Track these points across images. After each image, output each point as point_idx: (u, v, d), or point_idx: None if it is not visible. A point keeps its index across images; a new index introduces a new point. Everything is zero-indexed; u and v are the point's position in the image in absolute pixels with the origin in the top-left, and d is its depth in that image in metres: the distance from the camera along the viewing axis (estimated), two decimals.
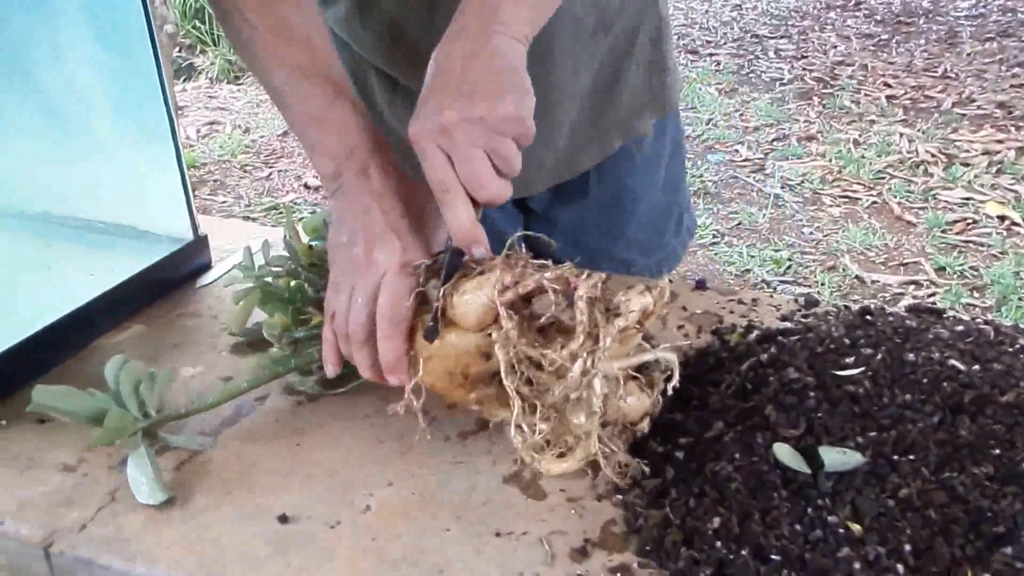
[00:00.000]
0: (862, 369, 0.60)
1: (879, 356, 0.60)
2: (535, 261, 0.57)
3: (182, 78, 3.94)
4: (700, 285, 0.87)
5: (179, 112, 3.37)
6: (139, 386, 0.61)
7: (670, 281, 0.59)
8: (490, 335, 0.55)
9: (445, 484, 0.60)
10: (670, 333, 0.79)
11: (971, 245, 2.54)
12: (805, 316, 0.80)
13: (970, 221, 2.67)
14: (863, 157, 3.09)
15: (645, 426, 0.61)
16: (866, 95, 3.65)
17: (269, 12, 0.65)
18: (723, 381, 0.64)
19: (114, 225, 0.92)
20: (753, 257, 2.52)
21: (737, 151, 3.20)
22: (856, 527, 0.51)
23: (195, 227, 0.92)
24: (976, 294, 2.31)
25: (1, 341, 0.71)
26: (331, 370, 0.62)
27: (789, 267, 2.47)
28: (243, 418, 0.66)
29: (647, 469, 0.58)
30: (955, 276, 2.38)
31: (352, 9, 0.81)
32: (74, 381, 0.72)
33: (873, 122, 3.40)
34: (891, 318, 0.68)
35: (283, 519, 0.57)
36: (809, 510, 0.52)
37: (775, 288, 2.37)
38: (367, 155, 0.63)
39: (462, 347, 0.56)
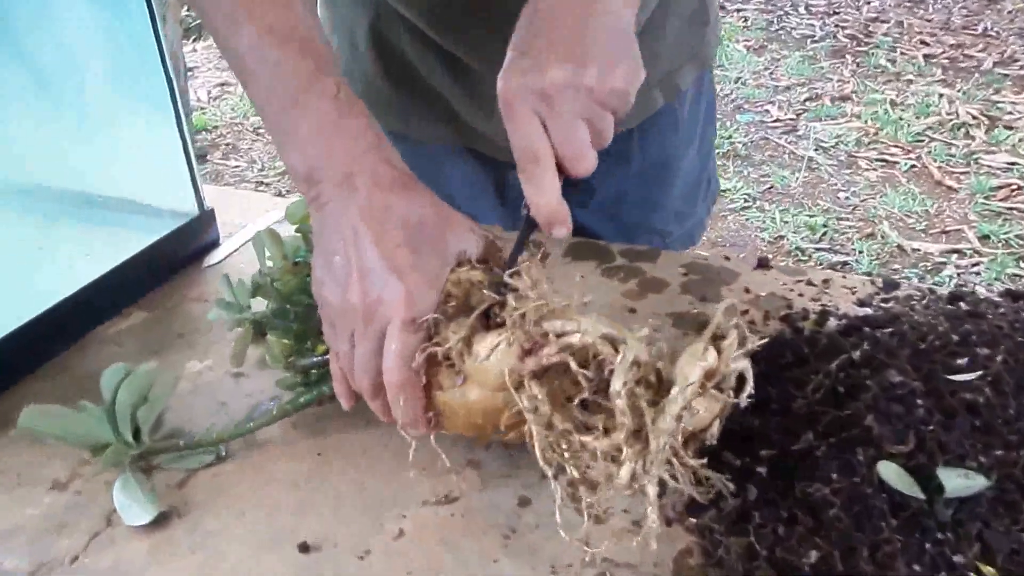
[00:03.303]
0: (980, 373, 0.51)
1: (999, 357, 0.51)
2: (554, 320, 0.45)
3: (192, 38, 3.82)
4: (762, 264, 0.78)
5: (189, 73, 3.27)
6: (137, 409, 0.53)
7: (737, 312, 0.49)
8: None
9: (490, 503, 0.52)
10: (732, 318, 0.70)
11: (1016, 212, 2.42)
12: (885, 301, 0.71)
13: (1015, 187, 2.54)
14: (901, 119, 2.95)
15: (715, 432, 0.52)
16: (902, 53, 3.49)
17: None
18: (807, 381, 0.56)
19: (111, 199, 0.84)
20: (786, 223, 2.41)
21: (768, 111, 3.07)
22: (990, 570, 0.42)
23: (200, 201, 0.84)
24: (1023, 264, 2.20)
25: None
26: (346, 404, 0.53)
27: (825, 233, 2.36)
28: (255, 422, 0.58)
29: (730, 485, 0.49)
30: (1000, 245, 2.27)
31: None
32: (70, 379, 0.65)
33: (910, 82, 3.25)
34: (1001, 309, 0.59)
35: (304, 548, 0.49)
36: (928, 545, 0.44)
37: (810, 256, 2.27)
38: (353, 158, 0.49)
39: (488, 404, 0.47)
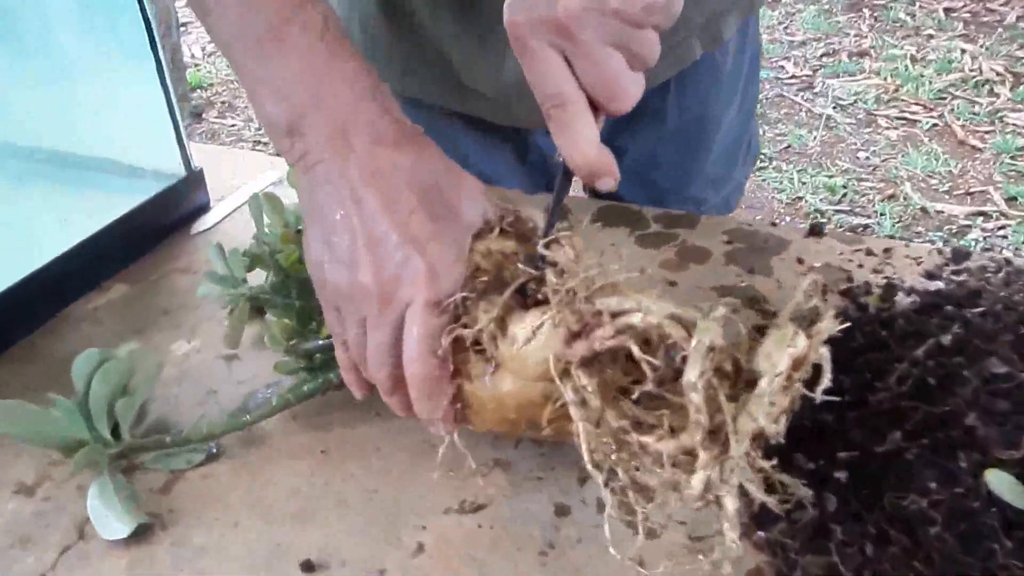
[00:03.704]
0: None
1: None
2: (608, 297, 0.36)
3: None
4: (815, 231, 0.69)
5: (182, 28, 3.14)
6: (115, 401, 0.46)
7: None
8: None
9: (522, 512, 0.45)
10: (787, 293, 0.62)
11: None
12: (956, 273, 0.63)
13: None
14: (921, 75, 2.84)
15: (781, 428, 0.45)
16: (921, 7, 3.35)
17: None
18: (888, 370, 0.48)
19: (87, 159, 0.76)
20: (804, 184, 2.32)
21: (783, 67, 2.95)
22: None
23: (188, 160, 0.76)
24: None
25: None
26: (358, 394, 0.45)
27: (844, 195, 2.27)
28: (252, 415, 0.51)
29: (809, 491, 0.42)
30: None
31: None
32: (40, 364, 0.58)
33: (931, 37, 3.13)
34: None
35: (308, 567, 0.42)
36: None
37: (829, 218, 2.18)
38: (347, 107, 0.41)
39: (524, 396, 0.40)
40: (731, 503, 0.34)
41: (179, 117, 0.75)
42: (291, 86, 0.41)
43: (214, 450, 0.49)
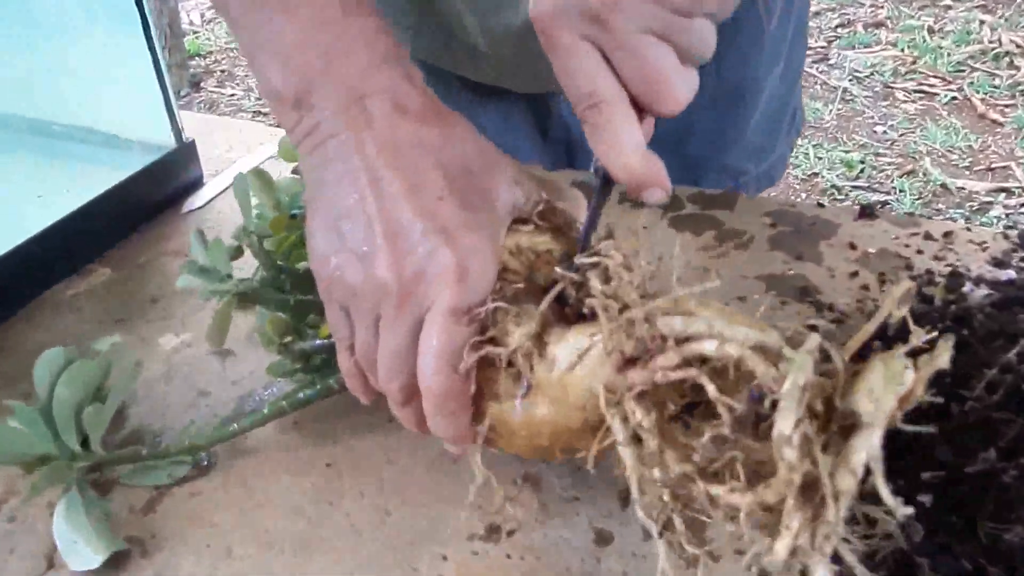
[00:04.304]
0: None
1: None
2: (671, 317, 0.30)
3: None
4: (866, 212, 0.63)
5: None
6: (83, 408, 0.40)
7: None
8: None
9: (556, 539, 0.39)
10: (840, 283, 0.56)
11: None
12: None
13: None
14: (939, 47, 2.76)
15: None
16: None
17: None
18: (974, 376, 0.42)
19: (69, 128, 0.69)
20: (821, 159, 2.25)
21: (806, 39, 2.86)
22: None
23: (179, 131, 0.69)
24: None
25: None
26: (364, 399, 0.39)
27: (862, 171, 2.20)
28: (240, 424, 0.45)
29: (893, 520, 0.36)
30: None
31: None
32: (13, 356, 0.52)
33: (948, 7, 3.04)
34: None
35: None
36: None
37: (847, 195, 2.11)
38: (364, 72, 0.35)
39: (561, 424, 0.33)
40: (822, 571, 0.28)
41: (168, 84, 0.68)
42: (298, 49, 0.35)
43: (205, 461, 0.43)
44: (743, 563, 0.31)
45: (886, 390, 0.28)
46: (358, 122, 0.35)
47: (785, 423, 0.27)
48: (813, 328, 0.30)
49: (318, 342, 0.43)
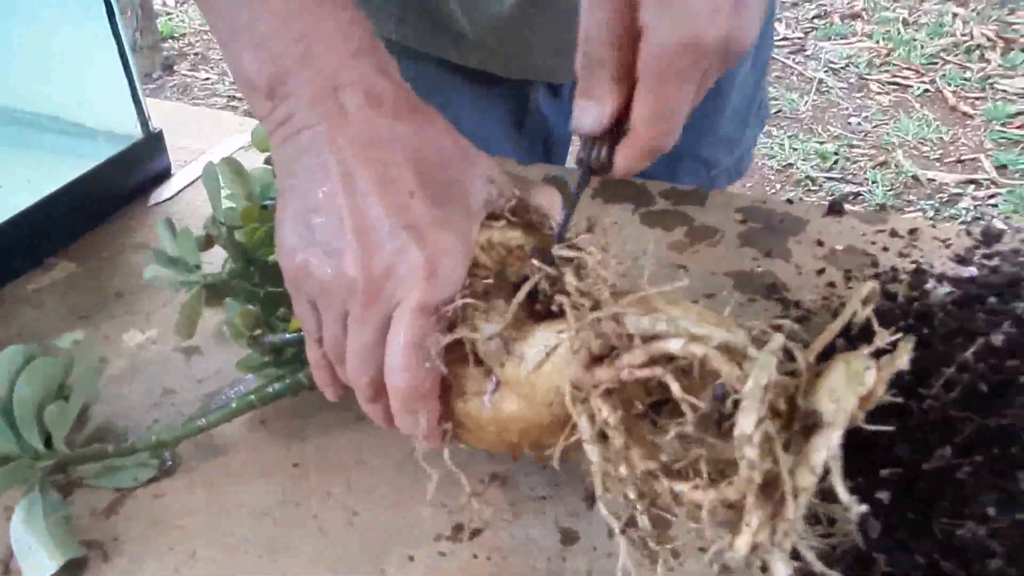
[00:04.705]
0: None
1: None
2: (638, 316, 0.30)
3: None
4: (834, 208, 0.64)
5: None
6: (43, 408, 0.39)
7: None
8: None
9: (525, 539, 0.39)
10: (807, 279, 0.57)
11: None
12: (988, 256, 0.58)
13: None
14: (914, 39, 2.78)
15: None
16: None
17: None
18: (933, 373, 0.43)
19: (29, 116, 0.68)
20: (796, 150, 2.26)
21: (775, 29, 2.88)
22: None
23: (145, 120, 0.68)
24: None
25: None
26: (331, 395, 0.39)
27: (836, 162, 2.22)
28: (208, 419, 0.45)
29: (852, 515, 0.37)
30: (1017, 175, 2.15)
31: None
32: None
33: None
34: None
35: None
36: None
37: (820, 185, 2.13)
38: (339, 63, 0.35)
39: (530, 421, 0.34)
40: (783, 570, 0.28)
41: (135, 71, 0.67)
42: (273, 37, 0.35)
43: (169, 461, 0.43)
44: (706, 559, 0.32)
45: (847, 390, 0.28)
46: (332, 114, 0.34)
47: (746, 422, 0.27)
48: (778, 328, 0.31)
49: (288, 335, 0.43)
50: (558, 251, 0.33)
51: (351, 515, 0.40)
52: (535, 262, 0.34)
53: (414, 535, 0.39)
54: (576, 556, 0.38)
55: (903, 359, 0.29)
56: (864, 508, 0.29)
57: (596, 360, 0.30)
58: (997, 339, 0.43)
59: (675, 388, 0.29)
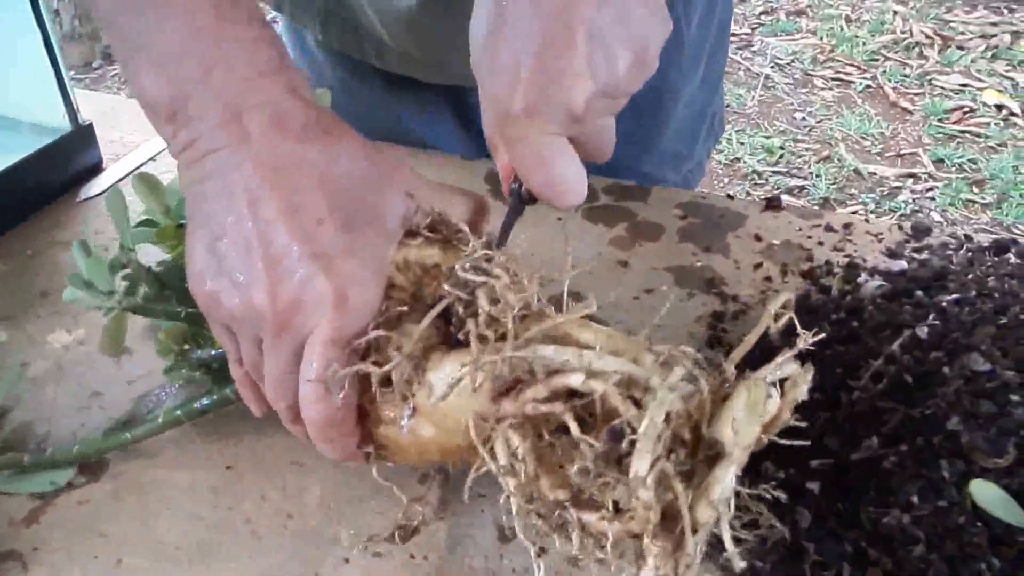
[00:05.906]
0: None
1: None
2: (543, 347, 0.30)
3: None
4: (773, 204, 0.65)
5: None
6: None
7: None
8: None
9: (460, 538, 0.39)
10: (745, 274, 0.58)
11: (968, 136, 2.37)
12: (917, 251, 0.60)
13: (967, 109, 2.49)
14: (856, 36, 2.86)
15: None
16: None
17: None
18: (861, 366, 0.44)
19: None
20: (743, 144, 2.30)
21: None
22: None
23: (74, 112, 0.66)
24: (976, 189, 2.16)
25: None
26: (257, 411, 0.38)
27: (781, 156, 2.27)
28: (145, 420, 0.43)
29: (783, 499, 0.37)
30: (953, 169, 2.23)
31: None
32: None
33: None
34: None
35: None
36: None
37: (767, 179, 2.17)
38: (243, 84, 0.34)
39: (448, 444, 0.33)
40: None
41: (62, 62, 0.64)
42: (173, 57, 0.33)
43: (97, 459, 0.41)
44: None
45: (748, 420, 0.28)
46: (236, 139, 0.33)
47: (641, 465, 0.27)
48: (685, 354, 0.30)
49: (215, 351, 0.42)
50: (463, 274, 0.33)
51: (286, 518, 0.39)
52: (446, 287, 0.33)
53: (350, 537, 0.39)
54: (512, 554, 0.38)
55: (802, 388, 0.29)
56: (743, 565, 0.29)
57: (503, 392, 0.30)
58: (922, 332, 0.44)
59: (573, 428, 0.29)
